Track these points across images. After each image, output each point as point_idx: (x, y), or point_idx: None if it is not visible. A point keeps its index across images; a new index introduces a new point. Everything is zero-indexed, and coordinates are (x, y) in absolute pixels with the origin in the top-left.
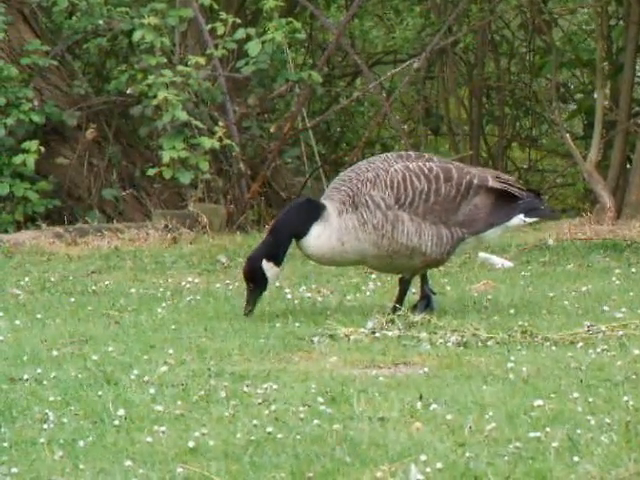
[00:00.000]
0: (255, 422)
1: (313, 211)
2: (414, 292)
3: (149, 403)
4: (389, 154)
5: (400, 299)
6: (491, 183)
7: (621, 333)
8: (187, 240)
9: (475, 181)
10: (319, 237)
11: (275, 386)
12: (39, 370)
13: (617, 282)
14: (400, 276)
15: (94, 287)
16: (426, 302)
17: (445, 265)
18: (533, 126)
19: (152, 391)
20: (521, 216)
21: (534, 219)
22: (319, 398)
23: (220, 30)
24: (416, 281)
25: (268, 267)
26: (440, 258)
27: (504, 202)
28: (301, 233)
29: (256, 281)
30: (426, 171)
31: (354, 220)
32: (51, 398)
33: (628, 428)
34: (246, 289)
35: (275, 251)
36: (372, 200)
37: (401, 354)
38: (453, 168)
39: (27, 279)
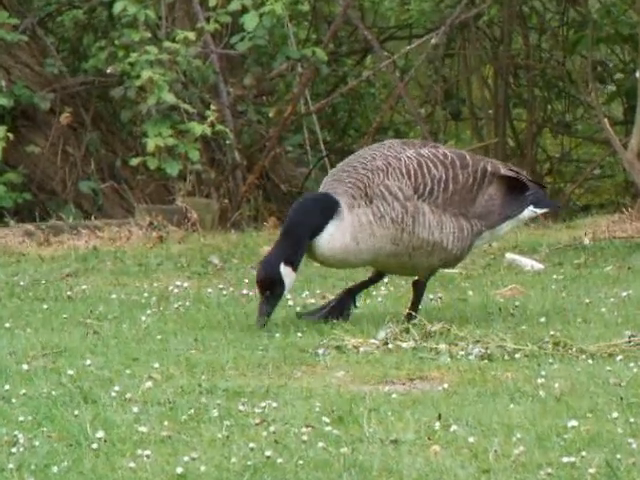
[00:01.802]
0: (252, 445)
1: (330, 208)
2: (431, 298)
3: (132, 424)
4: (391, 141)
5: (415, 305)
6: (503, 171)
7: None
8: (175, 239)
9: (489, 168)
10: (332, 236)
11: (274, 404)
12: (7, 386)
13: None
14: (414, 279)
15: (69, 292)
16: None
17: (467, 267)
18: (567, 110)
19: (135, 410)
20: (531, 207)
21: (544, 210)
22: (324, 418)
23: (212, 1)
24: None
25: (287, 272)
26: (460, 255)
27: (515, 193)
28: (317, 232)
29: (274, 288)
30: (441, 157)
31: (369, 214)
32: (21, 418)
33: None
34: (260, 298)
35: (293, 254)
36: (388, 191)
37: (417, 368)
38: (466, 154)
39: None
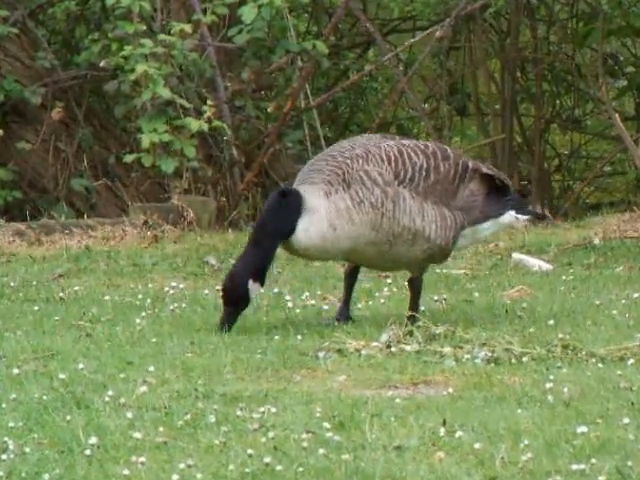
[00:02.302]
0: (250, 452)
1: (294, 204)
2: (436, 299)
3: (126, 429)
4: (370, 134)
5: (414, 304)
6: (485, 169)
7: None
8: (170, 238)
9: (470, 164)
10: (308, 230)
11: (273, 409)
12: None
13: None
14: (409, 278)
15: (61, 293)
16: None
17: (473, 268)
18: (576, 105)
19: (129, 415)
20: (512, 212)
21: (526, 217)
22: (325, 424)
23: None
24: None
25: (254, 288)
26: (444, 246)
27: (495, 194)
28: (290, 233)
29: (238, 304)
30: (422, 147)
31: (346, 200)
32: (11, 424)
33: None
34: (224, 309)
35: (262, 268)
36: (368, 176)
37: (421, 372)
38: (447, 147)
39: None
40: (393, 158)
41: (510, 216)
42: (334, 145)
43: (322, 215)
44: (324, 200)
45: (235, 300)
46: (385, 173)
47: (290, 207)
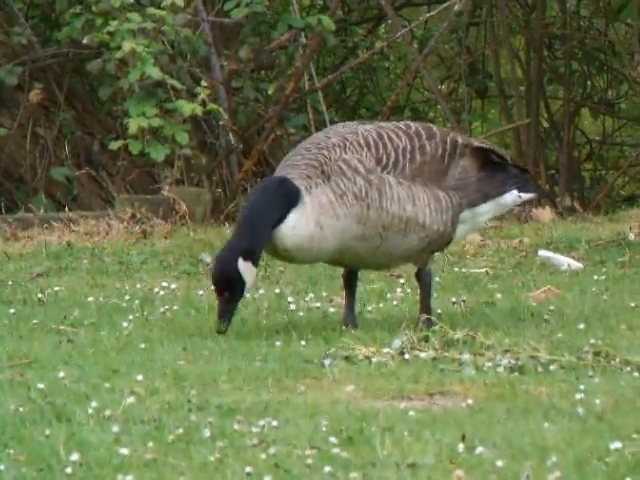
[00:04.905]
0: (248, 469)
1: (291, 194)
2: (454, 301)
3: (111, 445)
4: (347, 122)
5: (425, 302)
6: (477, 143)
7: None
8: (160, 234)
9: (459, 140)
10: (295, 227)
11: (274, 423)
12: None
13: None
14: (415, 271)
15: (40, 295)
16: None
17: (495, 267)
18: (609, 86)
19: (115, 429)
20: (515, 192)
21: (530, 195)
22: (331, 439)
23: None
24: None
25: (245, 267)
26: (443, 231)
27: (493, 170)
28: (279, 222)
29: (232, 288)
30: (404, 128)
31: (328, 193)
32: None
33: None
34: (218, 299)
35: (252, 245)
36: (347, 165)
37: (438, 381)
38: (433, 126)
39: None
40: (373, 143)
41: (513, 196)
42: (308, 138)
43: (309, 212)
44: (307, 197)
45: (227, 285)
46: (366, 160)
47: (288, 193)
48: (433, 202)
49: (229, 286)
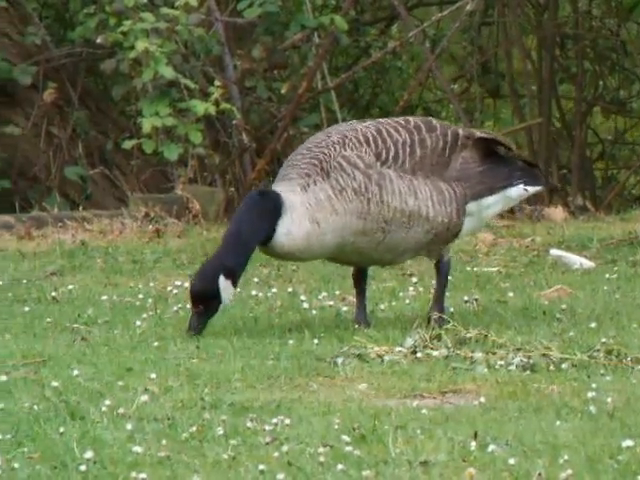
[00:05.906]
0: (262, 467)
1: (273, 205)
2: (466, 300)
3: (125, 443)
4: (345, 123)
5: (439, 291)
6: (479, 133)
7: None
8: (174, 233)
9: (460, 132)
10: (289, 232)
11: (287, 421)
12: None
13: None
14: (434, 262)
15: (54, 293)
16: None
17: (507, 265)
18: (621, 86)
19: (129, 427)
20: (521, 185)
21: (537, 188)
22: (344, 437)
23: None
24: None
25: (225, 286)
26: (448, 222)
27: (497, 162)
28: (268, 236)
29: (208, 303)
30: (403, 122)
31: (327, 190)
32: None
33: None
34: (192, 311)
35: (235, 267)
36: (347, 161)
37: (450, 380)
38: (433, 119)
39: None
40: (372, 138)
41: (519, 189)
42: (309, 138)
43: (301, 212)
44: (301, 195)
45: (203, 298)
46: (365, 156)
47: (269, 205)
48: (436, 194)
49: (205, 301)
